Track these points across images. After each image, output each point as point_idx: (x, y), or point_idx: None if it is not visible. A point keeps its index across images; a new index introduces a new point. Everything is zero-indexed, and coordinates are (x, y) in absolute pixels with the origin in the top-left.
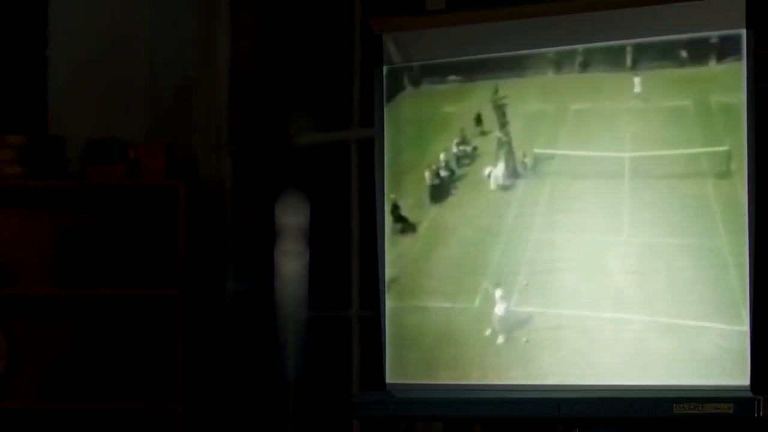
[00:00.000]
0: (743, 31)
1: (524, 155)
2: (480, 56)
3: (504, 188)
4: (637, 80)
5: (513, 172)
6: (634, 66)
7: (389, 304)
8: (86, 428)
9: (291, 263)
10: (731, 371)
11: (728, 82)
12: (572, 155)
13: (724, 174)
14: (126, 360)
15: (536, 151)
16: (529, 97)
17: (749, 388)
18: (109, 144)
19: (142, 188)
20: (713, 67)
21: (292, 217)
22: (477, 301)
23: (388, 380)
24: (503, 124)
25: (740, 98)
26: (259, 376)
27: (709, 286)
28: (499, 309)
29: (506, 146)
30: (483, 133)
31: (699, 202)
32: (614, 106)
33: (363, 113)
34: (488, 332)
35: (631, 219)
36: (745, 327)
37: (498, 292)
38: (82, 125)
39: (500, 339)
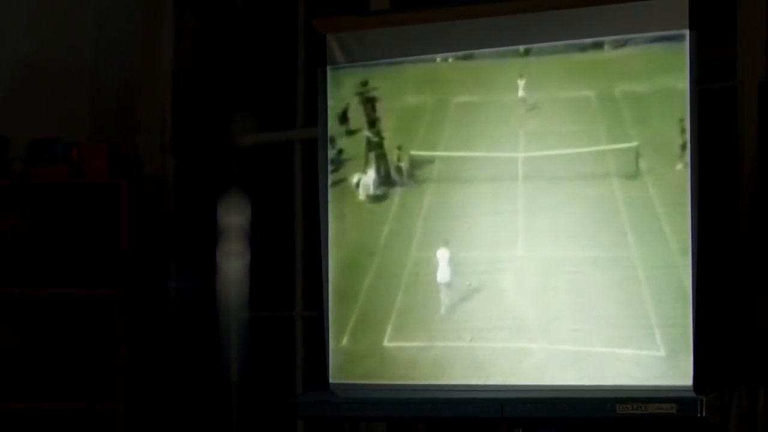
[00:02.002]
0: (686, 32)
1: (399, 158)
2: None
3: (375, 199)
4: (521, 83)
5: (386, 179)
6: (527, 53)
7: None
8: (29, 428)
9: (234, 263)
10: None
11: (634, 69)
12: (456, 157)
13: (633, 174)
14: (69, 360)
15: (413, 153)
16: (403, 89)
17: (692, 389)
18: (53, 144)
19: (85, 188)
20: (615, 51)
21: (235, 216)
22: (345, 341)
23: (331, 380)
24: (373, 122)
25: (648, 88)
26: (202, 375)
27: (619, 305)
28: (374, 346)
29: (377, 148)
30: (349, 133)
31: (604, 207)
32: (505, 98)
33: (307, 113)
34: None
35: (528, 230)
36: (661, 352)
37: (372, 326)
38: (25, 125)
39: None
